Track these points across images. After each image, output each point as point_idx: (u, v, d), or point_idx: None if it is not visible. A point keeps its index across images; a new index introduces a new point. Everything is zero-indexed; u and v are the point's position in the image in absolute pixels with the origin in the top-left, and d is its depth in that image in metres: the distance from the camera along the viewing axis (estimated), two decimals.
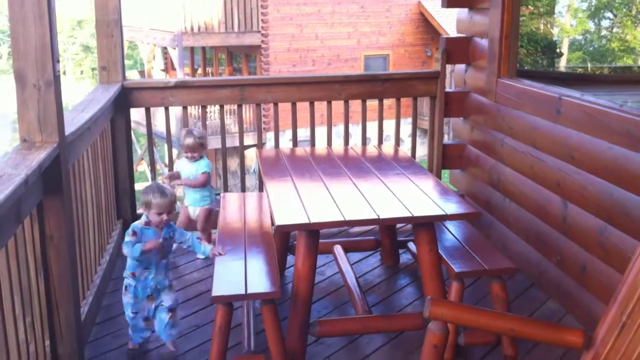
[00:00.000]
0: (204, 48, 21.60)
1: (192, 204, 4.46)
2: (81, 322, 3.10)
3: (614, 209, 3.24)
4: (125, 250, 3.16)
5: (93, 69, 36.97)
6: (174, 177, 4.44)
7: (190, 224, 4.48)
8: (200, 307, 3.83)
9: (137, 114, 16.98)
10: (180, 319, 3.63)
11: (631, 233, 3.09)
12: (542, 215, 3.93)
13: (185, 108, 4.86)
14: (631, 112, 3.16)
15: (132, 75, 21.13)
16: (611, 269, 3.27)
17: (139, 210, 3.72)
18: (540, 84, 4.03)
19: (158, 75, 22.07)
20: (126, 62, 4.87)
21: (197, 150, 4.32)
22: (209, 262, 4.25)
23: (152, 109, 4.91)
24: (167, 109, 4.86)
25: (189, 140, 4.29)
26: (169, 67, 21.78)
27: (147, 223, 3.20)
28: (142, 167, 22.12)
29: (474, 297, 3.87)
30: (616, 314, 2.10)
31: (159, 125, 14.51)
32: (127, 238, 3.16)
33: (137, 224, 3.23)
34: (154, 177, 5.17)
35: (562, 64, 18.30)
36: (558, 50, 16.87)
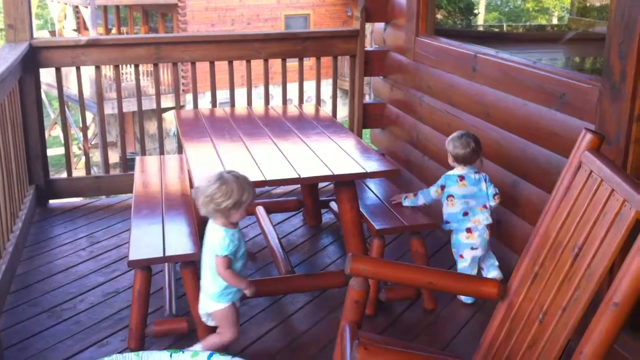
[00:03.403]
0: (117, 7, 20.84)
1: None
2: None
3: (527, 164, 3.34)
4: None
5: (1, 30, 35.15)
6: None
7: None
8: (119, 272, 3.75)
9: (48, 77, 16.30)
10: (98, 285, 3.57)
11: (543, 187, 3.19)
12: None
13: (98, 68, 4.68)
14: (545, 69, 3.23)
15: (43, 36, 20.20)
16: (524, 222, 3.38)
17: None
18: (457, 42, 4.08)
19: (70, 36, 21.19)
20: (36, 22, 4.63)
21: None
22: (127, 226, 4.14)
23: (64, 71, 4.70)
24: (78, 69, 4.66)
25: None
26: (81, 27, 20.93)
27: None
28: (55, 131, 21.36)
29: (395, 254, 3.94)
30: (529, 265, 2.17)
31: (72, 88, 13.96)
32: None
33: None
34: (67, 142, 4.99)
35: (480, 24, 18.64)
36: (476, 10, 17.16)
